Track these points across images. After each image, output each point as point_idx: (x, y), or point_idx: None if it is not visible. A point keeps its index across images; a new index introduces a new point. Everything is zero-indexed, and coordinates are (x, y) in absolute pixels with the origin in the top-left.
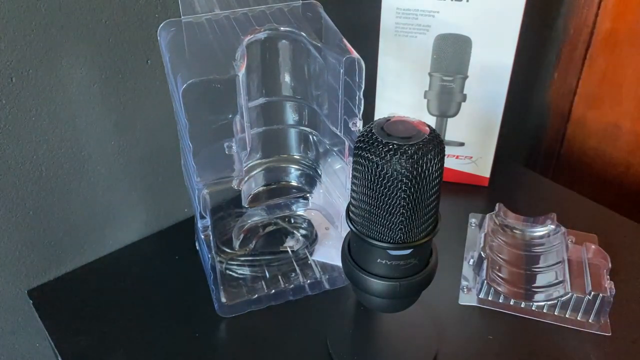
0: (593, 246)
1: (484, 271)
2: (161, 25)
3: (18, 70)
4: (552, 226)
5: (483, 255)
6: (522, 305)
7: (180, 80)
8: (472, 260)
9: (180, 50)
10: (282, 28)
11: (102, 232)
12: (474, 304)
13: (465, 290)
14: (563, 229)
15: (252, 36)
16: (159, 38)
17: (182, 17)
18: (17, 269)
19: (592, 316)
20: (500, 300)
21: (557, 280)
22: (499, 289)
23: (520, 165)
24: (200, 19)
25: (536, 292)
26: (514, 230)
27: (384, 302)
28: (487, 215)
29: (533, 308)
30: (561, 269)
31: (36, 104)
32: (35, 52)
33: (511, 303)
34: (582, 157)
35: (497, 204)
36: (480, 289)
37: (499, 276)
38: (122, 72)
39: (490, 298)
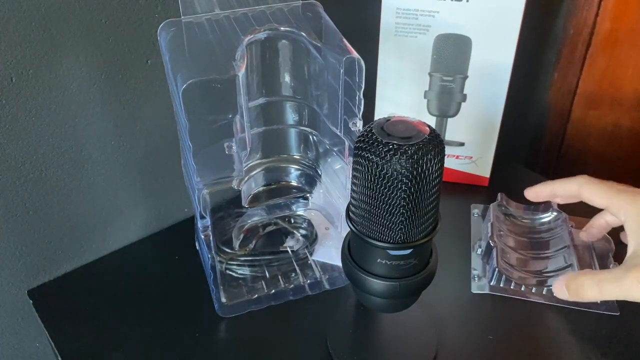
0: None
1: (494, 259)
2: (161, 25)
3: (18, 70)
4: (555, 213)
5: (492, 243)
6: (533, 291)
7: (180, 80)
8: (479, 250)
9: (180, 50)
10: (282, 28)
11: (102, 232)
12: (487, 291)
13: (476, 279)
14: (564, 215)
15: (252, 36)
16: (159, 38)
17: (182, 17)
18: (17, 269)
19: None
20: (512, 287)
21: (566, 264)
22: (511, 276)
23: (520, 165)
24: (200, 19)
25: (547, 277)
26: (518, 219)
27: (384, 302)
28: (492, 205)
29: (544, 292)
30: (568, 253)
31: (36, 104)
32: (35, 52)
33: (522, 289)
34: (582, 157)
35: (499, 194)
36: (492, 277)
37: (508, 263)
38: (122, 72)
39: (502, 285)
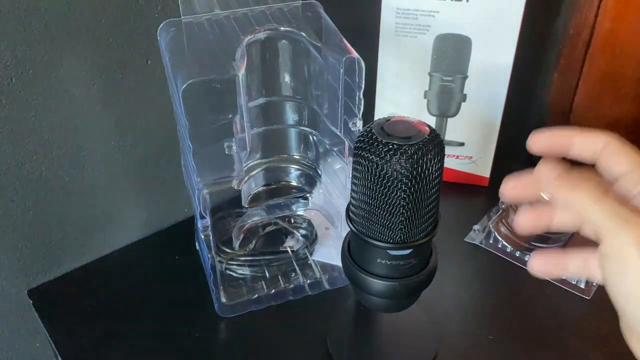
0: None
1: (495, 215)
2: (161, 25)
3: (18, 70)
4: None
5: (503, 206)
6: (517, 254)
7: (180, 80)
8: (494, 209)
9: (180, 50)
10: (282, 28)
11: (102, 232)
12: (477, 242)
13: (474, 231)
14: None
15: (252, 36)
16: (159, 38)
17: (182, 17)
18: (17, 269)
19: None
20: (499, 246)
21: (557, 244)
22: (501, 235)
23: (520, 165)
24: (200, 19)
25: (534, 248)
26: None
27: (383, 302)
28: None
29: (525, 259)
30: (568, 235)
31: (36, 104)
32: (35, 52)
33: (508, 250)
34: None
35: None
36: (484, 230)
37: (507, 226)
38: (122, 72)
39: (491, 241)
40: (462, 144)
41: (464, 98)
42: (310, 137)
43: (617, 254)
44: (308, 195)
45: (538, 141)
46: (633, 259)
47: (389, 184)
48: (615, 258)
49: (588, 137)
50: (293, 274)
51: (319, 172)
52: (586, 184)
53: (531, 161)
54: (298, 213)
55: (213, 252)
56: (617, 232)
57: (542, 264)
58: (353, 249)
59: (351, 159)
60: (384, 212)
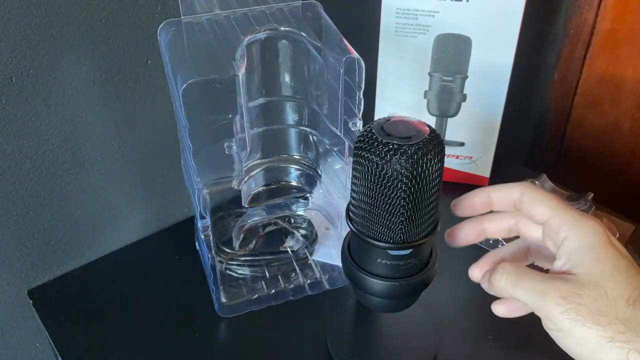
0: (604, 220)
1: None
2: (161, 25)
3: (18, 70)
4: (587, 203)
5: None
6: None
7: (180, 80)
8: None
9: (180, 50)
10: (282, 28)
11: (102, 232)
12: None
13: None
14: (592, 209)
15: (252, 36)
16: (159, 38)
17: (182, 17)
18: (17, 269)
19: None
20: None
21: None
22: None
23: (520, 165)
24: (200, 19)
25: None
26: None
27: (384, 302)
28: (528, 180)
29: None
30: None
31: (36, 104)
32: (35, 52)
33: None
34: (582, 157)
35: (543, 175)
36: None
37: None
38: (122, 72)
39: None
40: (462, 144)
41: (464, 98)
42: (310, 137)
43: (552, 324)
44: (308, 195)
45: (460, 207)
46: (565, 324)
47: (389, 184)
48: (554, 328)
49: (503, 190)
50: (293, 274)
51: (319, 172)
52: (501, 272)
53: (531, 162)
54: (298, 213)
55: (213, 252)
56: (542, 307)
57: (504, 310)
58: (353, 249)
59: (351, 159)
60: (384, 212)
